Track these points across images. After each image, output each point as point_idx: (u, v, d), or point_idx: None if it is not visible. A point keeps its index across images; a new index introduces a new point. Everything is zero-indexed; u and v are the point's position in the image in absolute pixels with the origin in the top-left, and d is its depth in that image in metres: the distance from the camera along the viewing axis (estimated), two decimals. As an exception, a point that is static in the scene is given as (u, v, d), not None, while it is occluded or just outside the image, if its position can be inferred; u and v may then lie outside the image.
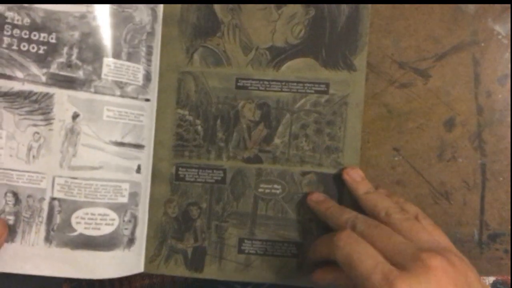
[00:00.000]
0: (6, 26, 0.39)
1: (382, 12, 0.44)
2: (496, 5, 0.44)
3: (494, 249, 0.45)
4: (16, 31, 0.39)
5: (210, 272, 0.44)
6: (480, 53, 0.44)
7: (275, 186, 0.44)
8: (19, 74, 0.40)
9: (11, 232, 0.41)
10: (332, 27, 0.44)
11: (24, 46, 0.40)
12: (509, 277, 0.44)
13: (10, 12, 0.39)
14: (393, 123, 0.45)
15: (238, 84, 0.44)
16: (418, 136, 0.45)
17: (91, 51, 0.40)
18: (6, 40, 0.39)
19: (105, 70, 0.41)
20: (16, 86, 0.40)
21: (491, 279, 0.45)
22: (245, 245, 0.44)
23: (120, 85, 0.41)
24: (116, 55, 0.41)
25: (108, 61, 0.41)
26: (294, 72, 0.44)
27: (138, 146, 0.43)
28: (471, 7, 0.44)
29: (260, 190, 0.44)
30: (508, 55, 0.44)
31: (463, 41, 0.44)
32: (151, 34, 0.43)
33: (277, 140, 0.44)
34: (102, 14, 0.41)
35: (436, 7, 0.44)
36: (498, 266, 0.45)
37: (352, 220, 0.38)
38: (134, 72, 0.42)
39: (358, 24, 0.43)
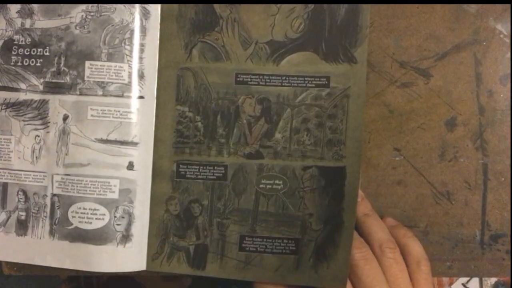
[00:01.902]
0: (13, 47, 0.45)
1: (383, 11, 0.44)
2: (497, 4, 0.43)
3: (496, 250, 0.44)
4: (21, 50, 0.45)
5: (212, 270, 0.44)
6: (481, 53, 0.44)
7: (276, 181, 0.44)
8: (22, 85, 0.45)
9: (23, 227, 0.45)
10: (331, 20, 0.43)
11: (26, 62, 0.45)
12: (510, 278, 0.44)
13: (16, 35, 0.45)
14: (394, 123, 0.45)
15: (238, 79, 0.44)
16: (419, 136, 0.45)
17: (75, 57, 0.44)
18: (14, 58, 0.45)
19: (87, 72, 0.44)
20: (21, 96, 0.45)
21: (493, 280, 0.45)
22: (246, 243, 0.44)
23: (102, 85, 0.44)
24: (96, 57, 0.44)
25: (89, 64, 0.44)
26: (294, 66, 0.43)
27: (128, 143, 0.44)
28: (473, 6, 0.44)
29: (261, 186, 0.44)
30: (509, 54, 0.44)
31: (465, 41, 0.44)
32: (142, 31, 0.44)
33: (278, 135, 0.44)
34: (82, 22, 0.44)
35: (438, 6, 0.44)
36: (500, 267, 0.44)
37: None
38: (117, 71, 0.44)
39: (358, 16, 0.43)
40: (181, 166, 0.44)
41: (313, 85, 0.43)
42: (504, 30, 0.44)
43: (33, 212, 0.45)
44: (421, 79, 0.44)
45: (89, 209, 0.44)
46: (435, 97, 0.44)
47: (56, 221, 0.44)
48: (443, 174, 0.45)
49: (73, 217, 0.44)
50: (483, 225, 0.45)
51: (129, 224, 0.44)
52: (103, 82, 0.44)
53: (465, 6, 0.44)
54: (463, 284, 0.43)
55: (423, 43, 0.44)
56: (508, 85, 0.44)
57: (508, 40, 0.44)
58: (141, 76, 0.44)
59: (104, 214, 0.44)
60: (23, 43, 0.45)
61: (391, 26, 0.44)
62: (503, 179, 0.44)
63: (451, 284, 0.44)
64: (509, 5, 0.43)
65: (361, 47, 0.43)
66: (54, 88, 0.44)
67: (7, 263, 0.46)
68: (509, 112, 0.44)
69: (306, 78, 0.43)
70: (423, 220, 0.45)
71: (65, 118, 0.44)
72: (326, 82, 0.43)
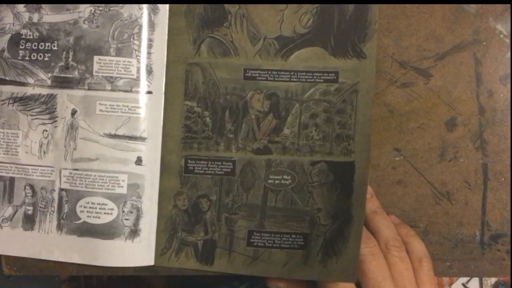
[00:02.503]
0: (21, 42, 0.45)
1: (383, 11, 0.45)
2: (497, 4, 0.44)
3: (496, 250, 0.44)
4: (28, 44, 0.45)
5: (220, 265, 0.44)
6: (481, 53, 0.44)
7: (285, 177, 0.44)
8: (30, 80, 0.45)
9: (30, 222, 0.45)
10: (340, 15, 0.43)
11: (33, 56, 0.45)
12: (510, 278, 0.43)
13: (24, 30, 0.45)
14: (394, 123, 0.45)
15: (246, 74, 0.44)
16: (419, 136, 0.45)
17: (83, 52, 0.44)
18: (21, 52, 0.45)
19: (96, 67, 0.44)
20: (29, 90, 0.45)
21: (493, 280, 0.44)
22: (254, 238, 0.44)
23: (110, 79, 0.44)
24: (105, 52, 0.44)
25: (98, 59, 0.44)
26: (302, 61, 0.43)
27: (136, 138, 0.44)
28: (473, 6, 0.44)
29: (269, 181, 0.44)
30: (509, 54, 0.44)
31: (465, 41, 0.44)
32: (150, 26, 0.44)
33: (286, 131, 0.44)
34: (90, 17, 0.44)
35: (438, 6, 0.44)
36: (500, 267, 0.44)
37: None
38: (126, 66, 0.44)
39: (367, 11, 0.43)
40: (189, 161, 0.44)
41: (322, 80, 0.43)
42: (504, 30, 0.44)
43: (40, 207, 0.45)
44: (421, 79, 0.45)
45: (97, 203, 0.44)
46: (435, 97, 0.45)
47: (64, 216, 0.44)
48: (443, 174, 0.45)
49: (81, 211, 0.44)
50: (483, 225, 0.45)
51: (137, 219, 0.44)
52: (111, 77, 0.44)
53: (465, 6, 0.44)
54: (463, 284, 0.43)
55: (423, 43, 0.45)
56: (508, 85, 0.44)
57: (508, 40, 0.44)
58: (150, 71, 0.44)
59: (112, 209, 0.44)
60: (31, 37, 0.45)
61: (391, 26, 0.45)
62: (503, 179, 0.44)
63: (451, 284, 0.44)
64: (509, 5, 0.44)
65: (370, 42, 0.43)
66: (62, 82, 0.45)
67: (7, 263, 0.46)
68: (509, 112, 0.44)
69: (314, 74, 0.43)
70: (423, 220, 0.45)
71: (74, 112, 0.44)
72: (335, 77, 0.43)
